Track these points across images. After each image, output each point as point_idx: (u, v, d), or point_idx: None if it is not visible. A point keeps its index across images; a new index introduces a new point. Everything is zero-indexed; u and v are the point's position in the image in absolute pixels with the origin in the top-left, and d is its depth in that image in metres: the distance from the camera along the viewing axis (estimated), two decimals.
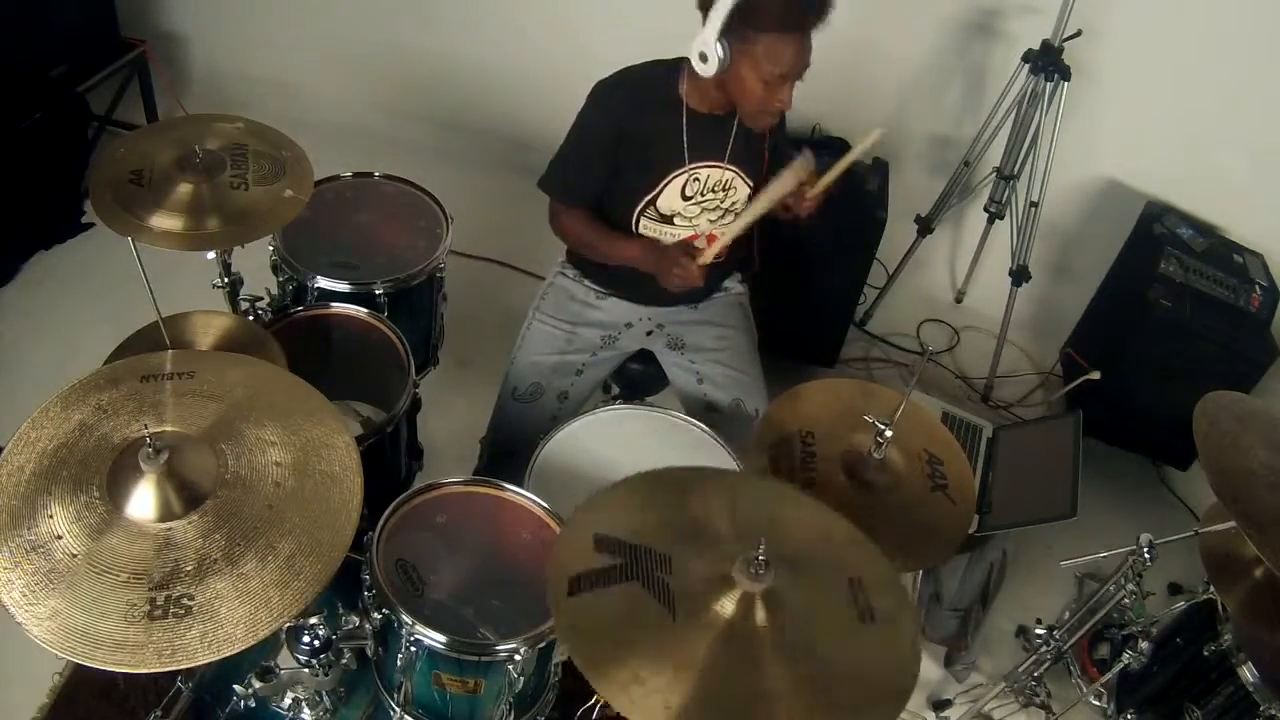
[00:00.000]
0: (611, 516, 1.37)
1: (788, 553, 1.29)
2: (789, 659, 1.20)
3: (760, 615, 1.22)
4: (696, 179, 1.97)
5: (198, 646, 1.16)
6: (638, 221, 2.02)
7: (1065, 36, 2.64)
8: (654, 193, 1.97)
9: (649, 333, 2.23)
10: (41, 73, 2.93)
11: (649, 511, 1.39)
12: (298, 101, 3.41)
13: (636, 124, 1.92)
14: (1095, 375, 2.76)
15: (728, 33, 1.73)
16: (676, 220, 2.02)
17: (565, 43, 3.29)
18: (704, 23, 1.76)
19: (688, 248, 1.98)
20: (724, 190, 2.01)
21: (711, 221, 2.05)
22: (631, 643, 1.19)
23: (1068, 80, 2.68)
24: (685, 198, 1.99)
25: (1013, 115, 2.82)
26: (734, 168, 1.99)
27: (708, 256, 1.95)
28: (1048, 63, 2.67)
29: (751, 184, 2.03)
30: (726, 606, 1.22)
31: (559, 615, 1.23)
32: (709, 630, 1.21)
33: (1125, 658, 2.02)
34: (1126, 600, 1.92)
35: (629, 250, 2.02)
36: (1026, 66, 2.72)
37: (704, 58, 1.77)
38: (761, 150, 2.01)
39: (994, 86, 2.89)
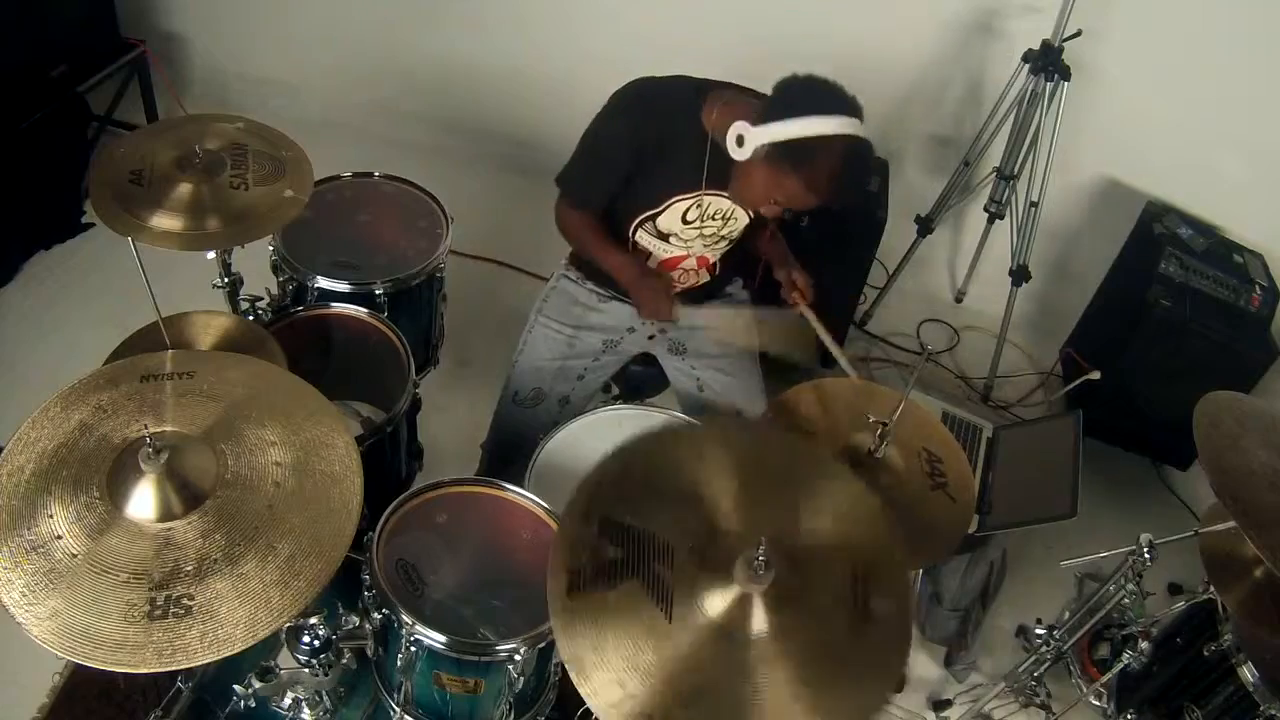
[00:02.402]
0: (618, 492, 1.35)
1: (791, 535, 1.29)
2: (778, 664, 1.20)
3: (756, 619, 1.22)
4: (699, 205, 1.96)
5: (198, 646, 1.16)
6: (634, 231, 2.02)
7: (1065, 36, 2.64)
8: (657, 210, 1.97)
9: (651, 336, 2.23)
10: (41, 73, 2.93)
11: (654, 485, 1.37)
12: (298, 101, 3.41)
13: (654, 144, 1.89)
14: (1095, 375, 2.76)
15: (777, 146, 1.72)
16: (672, 239, 2.02)
17: (566, 43, 3.29)
18: (767, 112, 1.73)
19: (670, 287, 1.99)
20: (724, 219, 2.01)
21: (705, 246, 2.05)
22: (623, 648, 1.18)
23: (1068, 80, 2.68)
24: (685, 221, 1.98)
25: (1013, 115, 2.82)
26: None
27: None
28: (1048, 63, 2.67)
29: (751, 215, 2.02)
30: (722, 608, 1.22)
31: (556, 616, 1.23)
32: (702, 634, 1.21)
33: (1125, 658, 2.02)
34: (1126, 600, 1.92)
35: (618, 260, 2.01)
36: (1026, 66, 2.72)
37: (740, 142, 1.75)
38: None
39: (994, 86, 2.89)
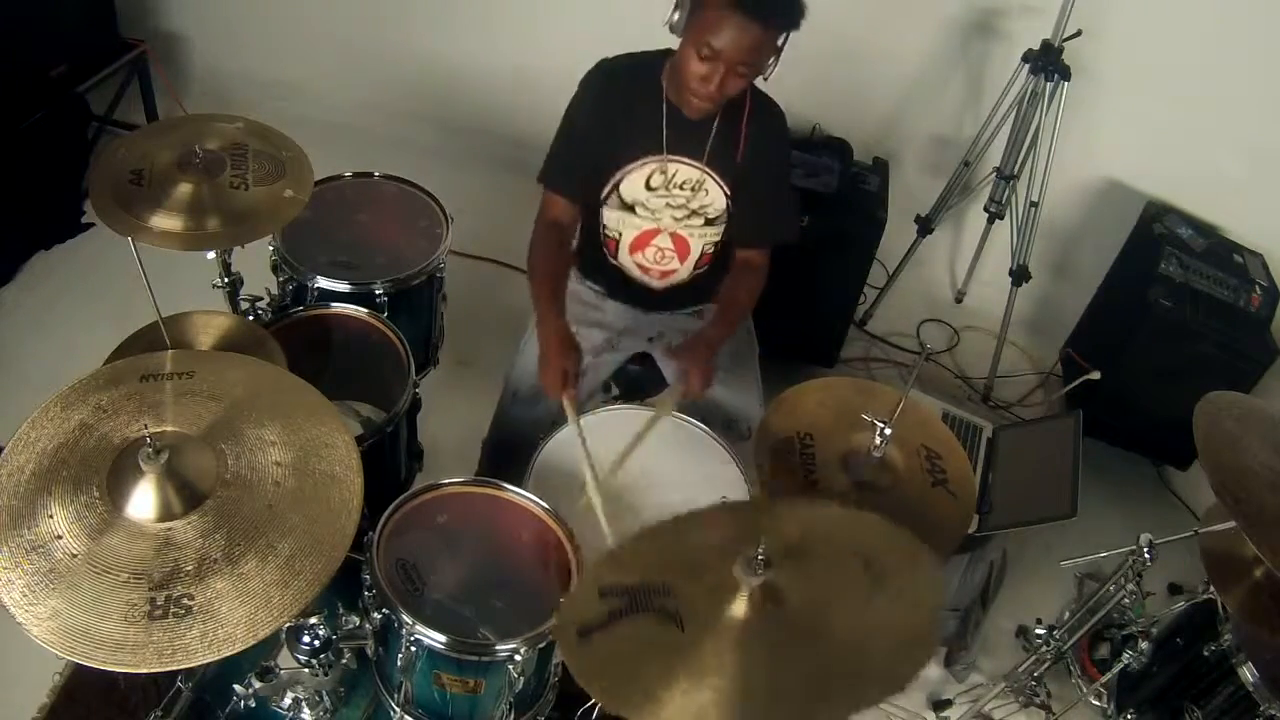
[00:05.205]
0: (613, 567, 1.35)
1: (791, 550, 1.28)
2: (808, 646, 1.20)
3: (772, 608, 1.21)
4: (664, 171, 1.96)
5: (198, 646, 1.16)
6: (602, 210, 2.02)
7: (1065, 36, 2.64)
8: (620, 175, 1.96)
9: (650, 338, 2.23)
10: (41, 73, 2.93)
11: (648, 551, 1.37)
12: (298, 101, 3.41)
13: (617, 110, 1.93)
14: (1095, 375, 2.76)
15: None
16: (638, 210, 2.00)
17: (566, 43, 3.28)
18: None
19: (575, 371, 1.89)
20: (693, 190, 1.99)
21: (676, 219, 2.03)
22: (651, 669, 1.17)
23: (1068, 80, 2.68)
24: (649, 188, 1.98)
25: (1013, 115, 2.82)
26: (710, 170, 1.97)
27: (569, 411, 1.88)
28: (1048, 63, 2.67)
29: (727, 190, 2.00)
30: (737, 608, 1.22)
31: (574, 662, 1.21)
32: (724, 636, 1.20)
33: (1125, 658, 2.03)
34: (1126, 600, 1.92)
35: (543, 314, 1.94)
36: (1026, 66, 2.72)
37: (668, 20, 1.78)
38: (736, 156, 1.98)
39: (994, 86, 2.88)
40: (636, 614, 1.24)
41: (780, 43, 1.79)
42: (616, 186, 1.98)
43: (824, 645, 1.21)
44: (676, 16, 1.77)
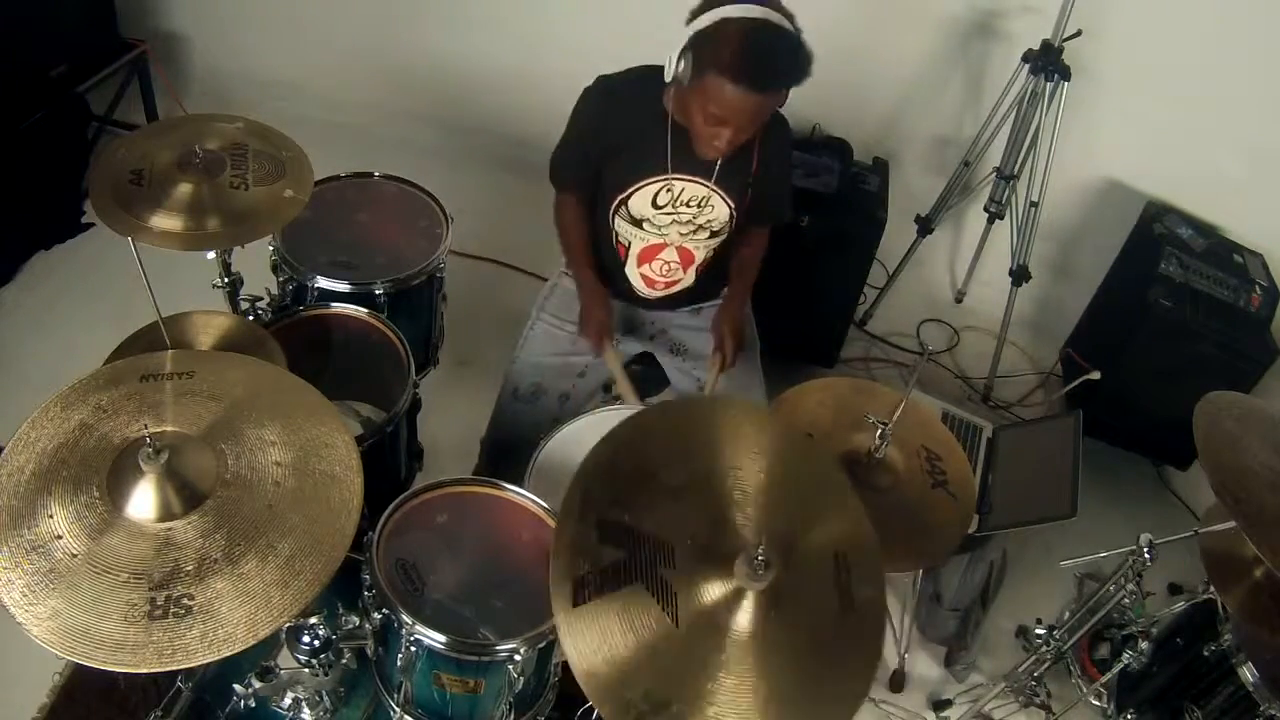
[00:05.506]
0: (612, 490, 1.34)
1: (792, 535, 1.29)
2: (769, 654, 1.21)
3: (748, 613, 1.22)
4: (670, 189, 1.97)
5: (198, 646, 1.16)
6: (613, 219, 2.04)
7: (1065, 36, 2.64)
8: (626, 193, 1.98)
9: (652, 337, 2.23)
10: (41, 73, 2.93)
11: (651, 476, 1.37)
12: (297, 101, 3.41)
13: (617, 129, 1.94)
14: (1095, 375, 2.77)
15: (690, 49, 1.73)
16: (645, 225, 2.03)
17: (565, 43, 3.29)
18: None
19: (609, 325, 2.07)
20: (699, 206, 2.00)
21: (682, 234, 2.04)
22: (637, 661, 1.18)
23: (1068, 80, 2.68)
24: (656, 205, 1.99)
25: (1013, 115, 2.82)
26: (717, 187, 1.98)
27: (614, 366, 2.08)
28: (1048, 63, 2.67)
29: (732, 205, 2.01)
30: (716, 598, 1.23)
31: (564, 627, 1.22)
32: (710, 636, 1.21)
33: (1125, 658, 2.03)
34: (1126, 600, 1.92)
35: (581, 274, 2.10)
36: (1026, 66, 2.72)
37: (670, 66, 1.78)
38: (747, 180, 2.00)
39: (994, 86, 2.89)
40: (635, 582, 1.23)
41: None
42: (625, 202, 2.00)
43: (795, 665, 1.22)
44: (681, 66, 1.75)
